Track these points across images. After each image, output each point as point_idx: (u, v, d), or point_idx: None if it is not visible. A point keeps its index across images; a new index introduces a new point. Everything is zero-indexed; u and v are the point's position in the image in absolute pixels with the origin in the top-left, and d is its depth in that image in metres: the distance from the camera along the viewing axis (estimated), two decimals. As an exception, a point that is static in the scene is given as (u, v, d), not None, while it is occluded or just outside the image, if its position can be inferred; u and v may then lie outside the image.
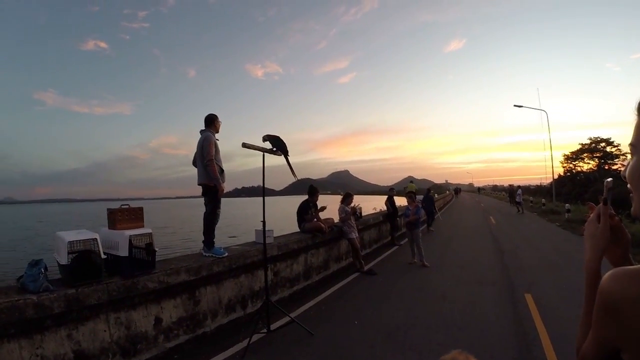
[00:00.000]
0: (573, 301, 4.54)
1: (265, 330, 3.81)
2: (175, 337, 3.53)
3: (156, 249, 3.33)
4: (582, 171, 38.30)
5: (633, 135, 0.72)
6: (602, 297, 0.69)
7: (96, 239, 2.93)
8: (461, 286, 5.65)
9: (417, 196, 18.19)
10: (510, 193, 30.05)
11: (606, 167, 35.17)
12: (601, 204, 0.85)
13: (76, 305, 2.76)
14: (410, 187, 18.55)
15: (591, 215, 0.88)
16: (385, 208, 10.41)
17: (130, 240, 3.10)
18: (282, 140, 4.05)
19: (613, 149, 36.54)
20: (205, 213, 4.11)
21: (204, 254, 4.08)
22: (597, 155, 37.42)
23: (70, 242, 2.81)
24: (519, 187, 23.43)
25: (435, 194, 22.38)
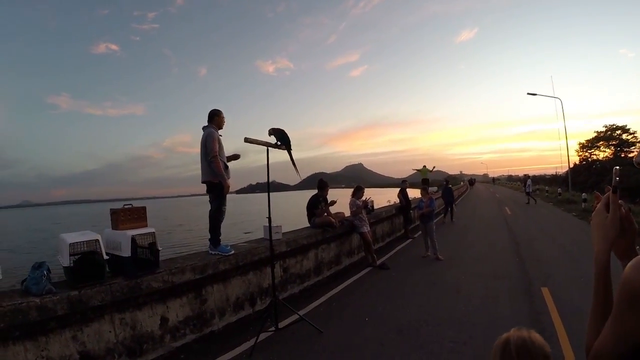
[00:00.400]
0: (591, 295, 4.30)
1: (273, 329, 3.74)
2: (182, 336, 3.51)
3: (160, 248, 3.29)
4: (598, 160, 37.44)
5: None
6: (626, 288, 0.65)
7: (98, 240, 2.91)
8: (476, 280, 5.46)
9: (431, 188, 18.00)
10: (525, 183, 29.39)
11: (622, 155, 34.08)
12: (610, 192, 0.81)
13: (80, 307, 2.75)
14: (423, 171, 18.14)
15: (598, 204, 0.84)
16: (398, 200, 10.21)
17: (133, 240, 3.06)
18: (286, 134, 3.94)
19: (629, 137, 35.65)
20: (210, 211, 4.06)
21: (210, 252, 4.04)
22: (613, 143, 36.52)
23: (72, 244, 2.79)
24: (528, 176, 23.04)
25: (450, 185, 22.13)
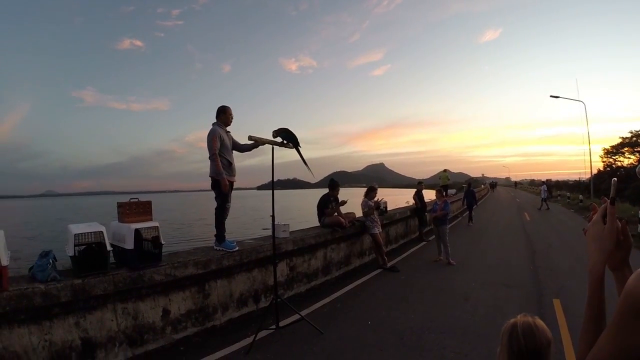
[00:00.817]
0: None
1: (274, 327, 3.74)
2: (183, 329, 3.57)
3: (163, 242, 3.36)
4: (622, 166, 35.41)
5: None
6: (630, 300, 0.64)
7: (102, 231, 3.00)
8: (486, 288, 5.26)
9: (449, 190, 17.64)
10: (547, 188, 28.67)
11: (648, 163, 32.11)
12: (608, 204, 0.80)
13: (82, 295, 2.85)
14: (443, 178, 17.77)
15: (595, 215, 0.84)
16: (413, 202, 10.00)
17: (137, 233, 3.14)
18: (292, 132, 3.92)
19: (656, 143, 33.38)
20: (215, 207, 4.11)
21: (215, 247, 4.09)
22: (639, 149, 34.22)
23: (77, 235, 2.89)
24: (544, 182, 22.34)
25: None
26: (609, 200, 0.81)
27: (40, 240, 19.92)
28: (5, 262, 2.60)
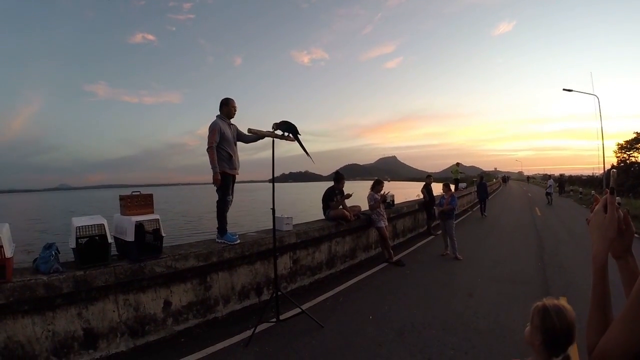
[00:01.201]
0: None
1: (274, 320, 3.76)
2: (184, 320, 3.62)
3: (164, 235, 3.39)
4: (636, 162, 34.36)
5: None
6: None
7: (103, 224, 3.04)
8: (491, 284, 5.17)
9: (460, 184, 17.57)
10: (560, 183, 28.16)
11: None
12: (608, 194, 0.85)
13: (84, 286, 2.90)
14: (454, 171, 17.51)
15: (597, 205, 0.88)
16: (421, 195, 9.88)
17: (137, 226, 3.17)
18: (291, 123, 3.88)
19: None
20: (217, 200, 4.12)
21: (217, 240, 4.11)
22: None
23: (79, 227, 2.94)
24: (549, 177, 22.01)
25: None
26: (609, 190, 0.85)
27: (51, 233, 20.48)
28: (9, 254, 2.66)
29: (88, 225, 3.01)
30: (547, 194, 20.11)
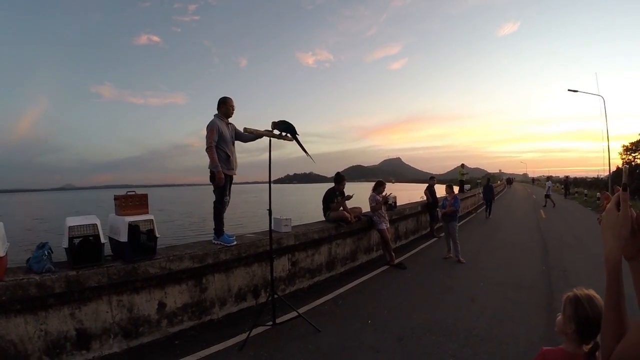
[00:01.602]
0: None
1: (270, 323, 3.71)
2: (179, 322, 3.58)
3: (158, 235, 3.35)
4: None
5: None
6: None
7: (96, 224, 3.01)
8: (494, 288, 5.07)
9: (465, 185, 17.48)
10: (566, 185, 27.70)
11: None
12: (621, 191, 0.80)
13: (77, 286, 2.87)
14: (460, 173, 17.35)
15: (609, 204, 0.84)
16: (425, 197, 9.79)
17: (130, 226, 3.14)
18: (289, 123, 3.83)
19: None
20: (213, 201, 4.08)
21: (213, 241, 4.08)
22: None
23: (71, 227, 2.92)
24: (548, 178, 21.82)
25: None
26: (621, 187, 0.81)
27: (54, 232, 20.74)
28: (2, 253, 2.65)
29: (81, 225, 2.98)
30: (546, 195, 19.89)
